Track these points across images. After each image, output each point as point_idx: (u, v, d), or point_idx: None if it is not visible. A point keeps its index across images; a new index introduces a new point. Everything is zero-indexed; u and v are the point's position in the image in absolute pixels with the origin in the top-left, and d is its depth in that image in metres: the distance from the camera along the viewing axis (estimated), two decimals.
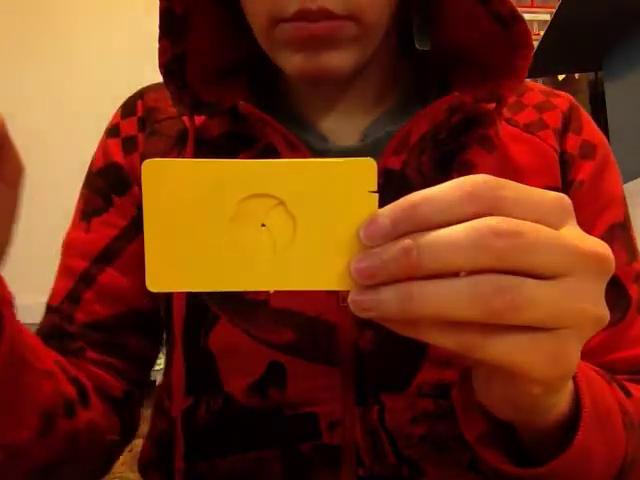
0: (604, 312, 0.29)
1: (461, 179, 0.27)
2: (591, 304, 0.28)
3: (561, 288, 0.27)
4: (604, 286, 0.29)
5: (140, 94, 0.61)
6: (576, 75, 1.92)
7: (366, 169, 0.29)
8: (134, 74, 1.31)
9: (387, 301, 0.27)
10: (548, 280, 0.27)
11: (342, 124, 0.55)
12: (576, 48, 1.66)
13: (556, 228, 0.28)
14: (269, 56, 0.51)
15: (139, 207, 0.56)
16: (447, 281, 0.26)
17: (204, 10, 0.53)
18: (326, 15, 0.46)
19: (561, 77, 1.95)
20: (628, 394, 0.44)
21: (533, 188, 0.28)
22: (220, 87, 0.54)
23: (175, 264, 0.29)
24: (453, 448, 0.49)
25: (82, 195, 0.59)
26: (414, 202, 0.27)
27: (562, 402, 0.35)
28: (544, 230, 0.27)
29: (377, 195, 0.28)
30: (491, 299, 0.26)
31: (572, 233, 0.28)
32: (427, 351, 0.49)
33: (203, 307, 0.51)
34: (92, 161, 0.60)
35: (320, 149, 0.53)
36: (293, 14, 0.46)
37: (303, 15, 0.46)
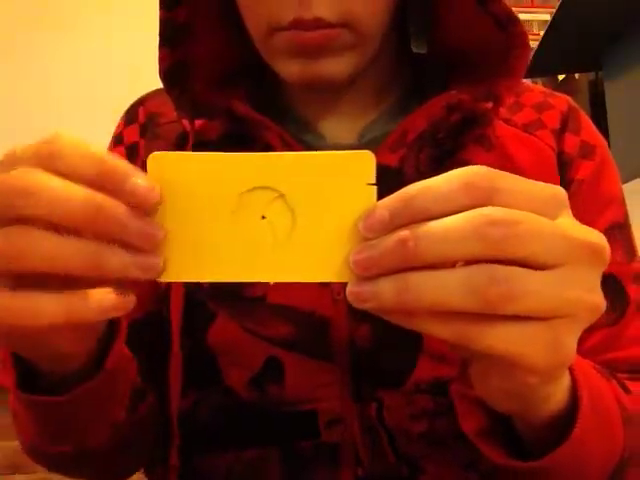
0: (600, 300, 0.29)
1: (458, 170, 0.28)
2: (586, 293, 0.28)
3: (556, 277, 0.27)
4: (599, 275, 0.29)
5: (141, 101, 0.62)
6: (576, 75, 1.91)
7: (365, 162, 0.29)
8: (135, 78, 1.31)
9: (384, 292, 0.27)
10: (543, 270, 0.27)
11: (340, 126, 0.56)
12: (576, 48, 1.65)
13: (551, 219, 0.28)
14: (268, 63, 0.52)
15: None
16: (442, 272, 0.27)
17: (206, 19, 0.53)
18: (321, 24, 0.46)
19: (561, 77, 1.95)
20: (627, 391, 0.44)
21: (528, 180, 0.29)
22: (221, 93, 0.55)
23: (177, 255, 0.29)
24: (452, 446, 0.49)
25: None
26: (411, 194, 0.27)
27: (559, 394, 0.35)
28: (539, 219, 0.27)
29: (375, 187, 0.29)
30: (486, 289, 0.26)
31: (567, 223, 0.29)
32: (423, 346, 0.49)
33: (201, 304, 0.51)
34: None
35: (317, 147, 0.54)
36: (289, 23, 0.47)
37: (298, 24, 0.47)
